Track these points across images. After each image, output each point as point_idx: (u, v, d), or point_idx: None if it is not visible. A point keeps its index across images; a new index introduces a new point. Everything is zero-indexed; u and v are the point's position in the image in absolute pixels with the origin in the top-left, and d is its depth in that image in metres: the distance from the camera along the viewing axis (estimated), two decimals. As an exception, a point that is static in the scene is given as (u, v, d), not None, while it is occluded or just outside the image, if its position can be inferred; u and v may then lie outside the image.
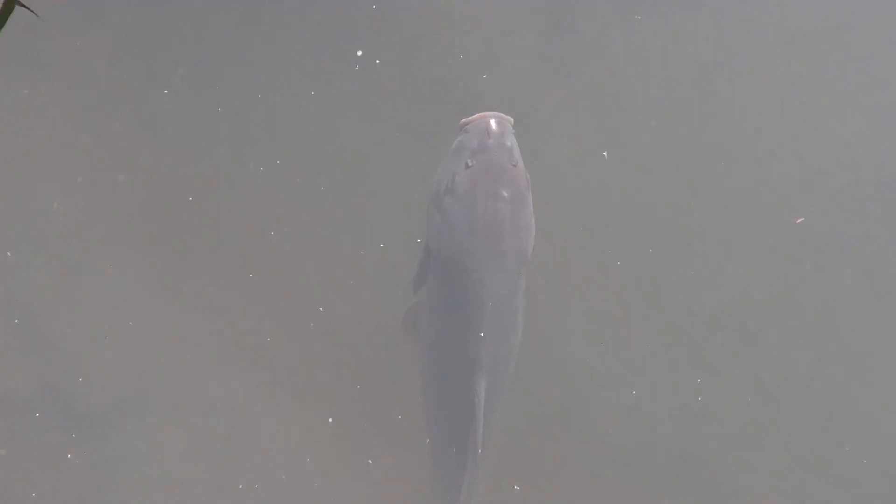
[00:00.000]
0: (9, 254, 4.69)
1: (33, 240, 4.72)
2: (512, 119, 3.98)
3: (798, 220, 4.71)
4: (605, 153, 4.86)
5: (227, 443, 4.63)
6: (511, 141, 3.93)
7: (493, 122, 3.90)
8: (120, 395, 4.62)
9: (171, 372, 4.65)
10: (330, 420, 4.62)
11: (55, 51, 4.85)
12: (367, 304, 4.61)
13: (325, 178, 4.79)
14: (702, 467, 4.70)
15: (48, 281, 4.70)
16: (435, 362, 4.07)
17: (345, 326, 4.66)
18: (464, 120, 3.98)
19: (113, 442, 4.58)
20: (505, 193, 3.85)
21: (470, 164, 3.86)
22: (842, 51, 5.02)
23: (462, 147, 3.91)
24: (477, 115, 3.95)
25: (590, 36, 4.98)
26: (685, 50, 4.99)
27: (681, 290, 4.81)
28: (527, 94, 4.92)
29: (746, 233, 4.86)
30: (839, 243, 4.87)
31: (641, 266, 4.79)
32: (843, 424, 4.75)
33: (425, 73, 4.91)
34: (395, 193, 4.78)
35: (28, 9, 2.60)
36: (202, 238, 4.74)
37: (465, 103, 4.84)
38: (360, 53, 4.85)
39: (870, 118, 4.97)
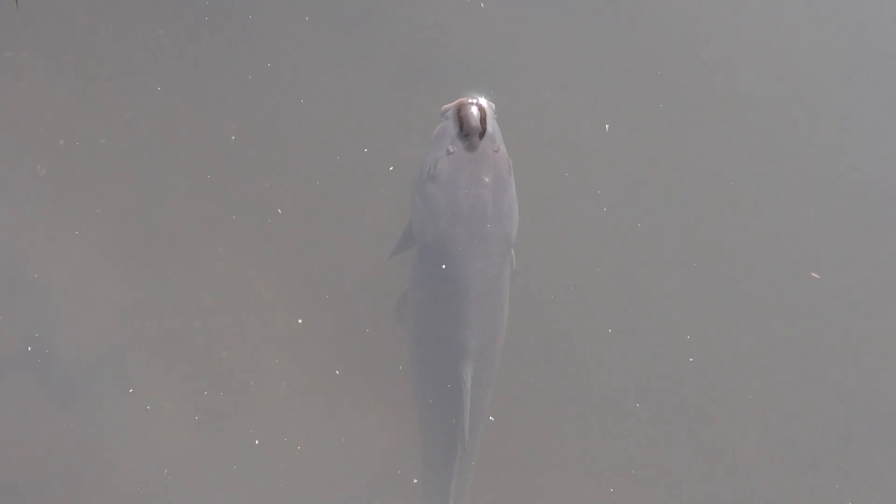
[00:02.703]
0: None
1: (17, 203, 4.74)
2: (493, 104, 3.93)
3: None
4: (606, 126, 4.86)
5: (198, 366, 4.65)
6: (493, 126, 3.90)
7: (474, 108, 3.87)
8: (102, 351, 4.69)
9: (153, 323, 4.71)
10: (300, 321, 4.64)
11: (37, 13, 4.81)
12: (334, 213, 4.59)
13: (306, 101, 4.75)
14: (687, 413, 4.82)
15: (32, 245, 4.73)
16: (422, 349, 4.07)
17: (310, 237, 4.65)
18: (445, 106, 3.95)
19: (95, 396, 4.68)
20: (487, 179, 3.84)
21: (451, 150, 3.84)
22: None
23: (444, 133, 3.89)
24: (459, 100, 3.92)
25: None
26: (691, 27, 4.97)
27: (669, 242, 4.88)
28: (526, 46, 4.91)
29: (737, 198, 4.89)
30: (832, 197, 4.88)
31: (630, 216, 4.83)
32: (827, 371, 4.80)
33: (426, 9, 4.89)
34: (379, 120, 4.75)
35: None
36: (185, 200, 4.74)
37: (464, 43, 4.83)
38: None
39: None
